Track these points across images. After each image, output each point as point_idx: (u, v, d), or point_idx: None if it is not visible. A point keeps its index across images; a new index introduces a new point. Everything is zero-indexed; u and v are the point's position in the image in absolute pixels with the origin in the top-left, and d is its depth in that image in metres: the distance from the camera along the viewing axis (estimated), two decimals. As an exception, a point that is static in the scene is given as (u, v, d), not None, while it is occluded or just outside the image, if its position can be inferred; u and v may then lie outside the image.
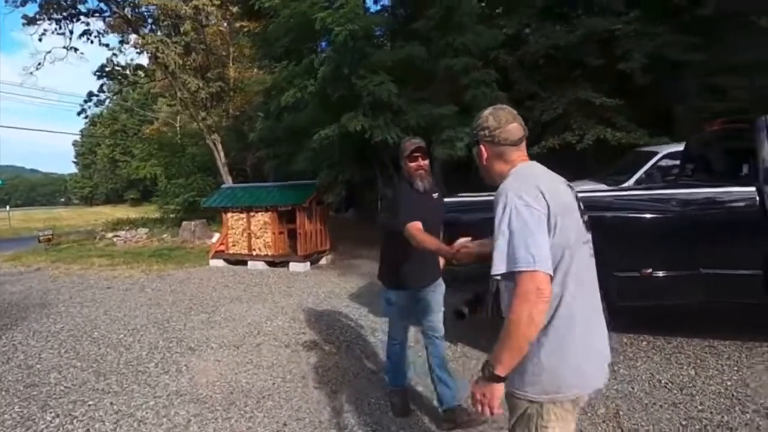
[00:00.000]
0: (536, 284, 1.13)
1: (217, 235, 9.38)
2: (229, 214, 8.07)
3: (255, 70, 15.46)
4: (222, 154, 11.71)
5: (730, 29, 7.49)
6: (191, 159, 13.79)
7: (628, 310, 3.11)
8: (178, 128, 20.00)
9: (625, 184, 5.76)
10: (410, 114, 6.35)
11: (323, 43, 7.76)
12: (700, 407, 2.52)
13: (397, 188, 2.52)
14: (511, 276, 1.17)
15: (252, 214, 7.88)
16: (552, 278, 1.17)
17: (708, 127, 3.74)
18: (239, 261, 7.92)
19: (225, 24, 15.56)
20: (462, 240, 1.80)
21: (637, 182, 5.80)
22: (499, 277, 1.21)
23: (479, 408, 1.23)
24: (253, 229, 7.87)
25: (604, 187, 5.85)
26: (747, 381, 2.79)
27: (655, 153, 5.86)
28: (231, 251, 8.04)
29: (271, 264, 7.71)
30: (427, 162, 2.46)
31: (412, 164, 2.43)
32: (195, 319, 4.76)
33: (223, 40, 15.73)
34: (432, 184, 2.49)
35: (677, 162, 5.45)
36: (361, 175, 7.99)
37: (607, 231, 3.04)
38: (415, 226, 2.26)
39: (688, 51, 6.90)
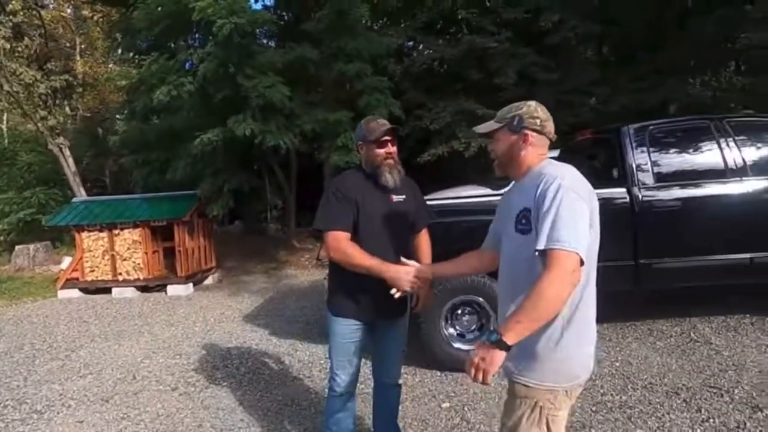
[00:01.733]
0: (572, 266, 1.15)
1: (68, 260, 7.73)
2: (85, 234, 6.70)
3: (111, 65, 13.46)
4: (71, 161, 9.72)
5: (571, 57, 8.89)
6: (26, 168, 11.23)
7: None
8: (4, 130, 16.26)
9: (507, 188, 6.30)
10: (304, 118, 6.05)
11: (198, 37, 7.01)
12: (601, 391, 2.74)
13: (327, 186, 1.92)
14: (545, 254, 1.18)
15: (116, 231, 6.66)
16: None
17: (580, 135, 4.23)
18: (101, 289, 6.62)
19: (69, 9, 13.24)
20: (412, 261, 1.66)
21: (516, 186, 6.40)
22: (536, 254, 1.22)
23: (473, 373, 1.18)
24: (118, 250, 6.66)
25: (489, 191, 6.34)
26: (629, 359, 3.15)
27: (529, 160, 6.54)
28: (89, 278, 6.67)
29: (144, 289, 6.61)
30: (396, 150, 1.90)
31: (381, 151, 1.85)
32: (41, 369, 3.74)
33: (67, 27, 13.35)
34: (403, 180, 1.92)
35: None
36: (249, 183, 7.38)
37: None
38: (336, 237, 1.77)
39: (545, 71, 7.92)
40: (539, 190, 1.24)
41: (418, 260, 2.01)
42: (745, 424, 2.29)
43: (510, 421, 1.32)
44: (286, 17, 9.75)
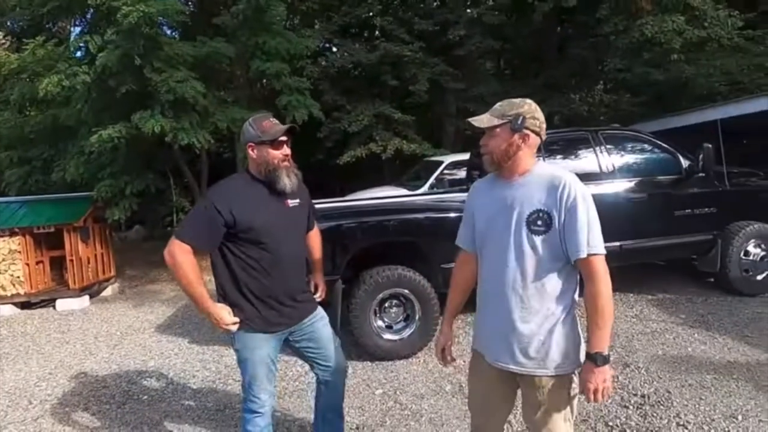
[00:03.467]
0: (605, 265, 1.33)
1: None
2: (-58, 244, 5.63)
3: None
4: None
5: (475, 69, 9.75)
6: None
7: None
8: None
9: (422, 189, 6.71)
10: (219, 116, 5.80)
11: (88, 22, 6.32)
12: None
13: (206, 194, 1.79)
14: (581, 259, 1.31)
15: (-13, 241, 5.71)
16: None
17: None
18: (-33, 309, 5.61)
19: None
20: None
21: (431, 187, 6.83)
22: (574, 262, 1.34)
23: (597, 396, 1.30)
24: (-11, 262, 5.71)
25: (405, 191, 6.69)
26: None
27: (441, 162, 7.02)
28: (-51, 297, 5.62)
29: (27, 306, 5.76)
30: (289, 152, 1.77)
31: (277, 152, 1.69)
32: None
33: None
34: (300, 184, 1.82)
35: (456, 170, 6.73)
36: (155, 184, 6.82)
37: (431, 230, 3.49)
38: (181, 248, 1.64)
39: (454, 80, 8.58)
40: (566, 198, 1.30)
41: (311, 258, 2.02)
42: (618, 377, 2.85)
43: (554, 408, 1.38)
44: (190, 8, 9.17)
